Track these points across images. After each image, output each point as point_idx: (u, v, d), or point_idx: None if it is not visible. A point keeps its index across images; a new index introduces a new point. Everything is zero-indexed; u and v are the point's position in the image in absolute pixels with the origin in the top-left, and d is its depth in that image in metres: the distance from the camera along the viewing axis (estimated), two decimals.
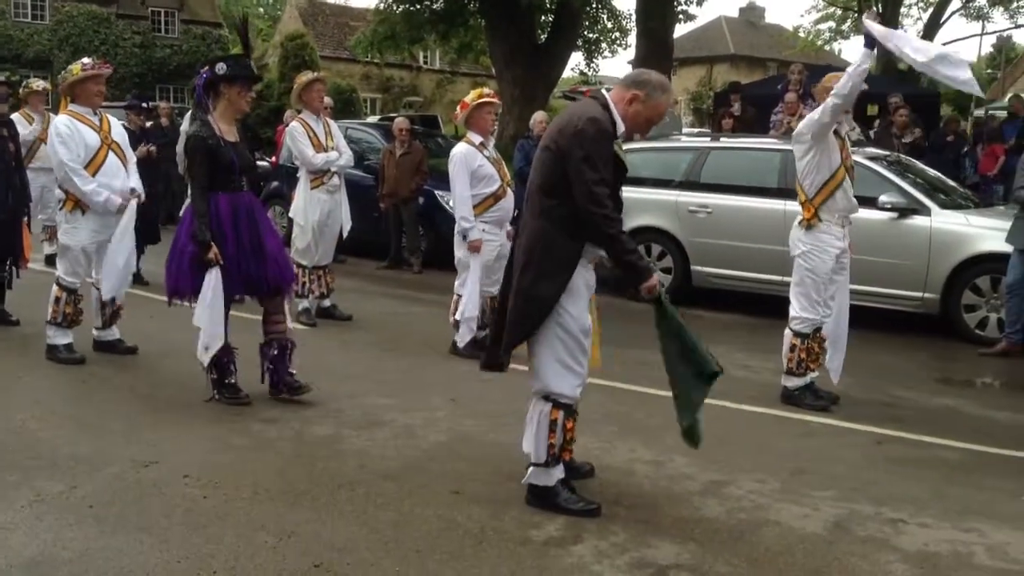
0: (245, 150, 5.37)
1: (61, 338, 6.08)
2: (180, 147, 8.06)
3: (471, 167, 6.38)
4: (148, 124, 10.24)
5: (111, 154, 5.99)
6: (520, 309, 3.78)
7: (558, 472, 3.91)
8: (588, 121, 3.67)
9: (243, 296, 5.40)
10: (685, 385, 3.86)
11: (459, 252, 6.55)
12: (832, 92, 5.25)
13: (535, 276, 3.72)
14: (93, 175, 5.88)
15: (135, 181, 6.17)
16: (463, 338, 6.48)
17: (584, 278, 3.82)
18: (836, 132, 5.45)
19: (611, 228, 3.66)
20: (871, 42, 5.20)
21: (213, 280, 5.04)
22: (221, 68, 5.17)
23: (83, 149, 5.86)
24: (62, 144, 5.82)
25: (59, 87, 6.26)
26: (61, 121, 5.91)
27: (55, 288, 6.05)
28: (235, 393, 5.30)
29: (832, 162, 5.46)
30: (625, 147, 3.95)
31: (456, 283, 6.64)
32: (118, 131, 6.18)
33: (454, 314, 6.64)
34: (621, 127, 3.77)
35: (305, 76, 7.70)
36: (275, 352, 5.35)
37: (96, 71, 5.98)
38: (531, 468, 3.93)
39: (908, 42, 5.17)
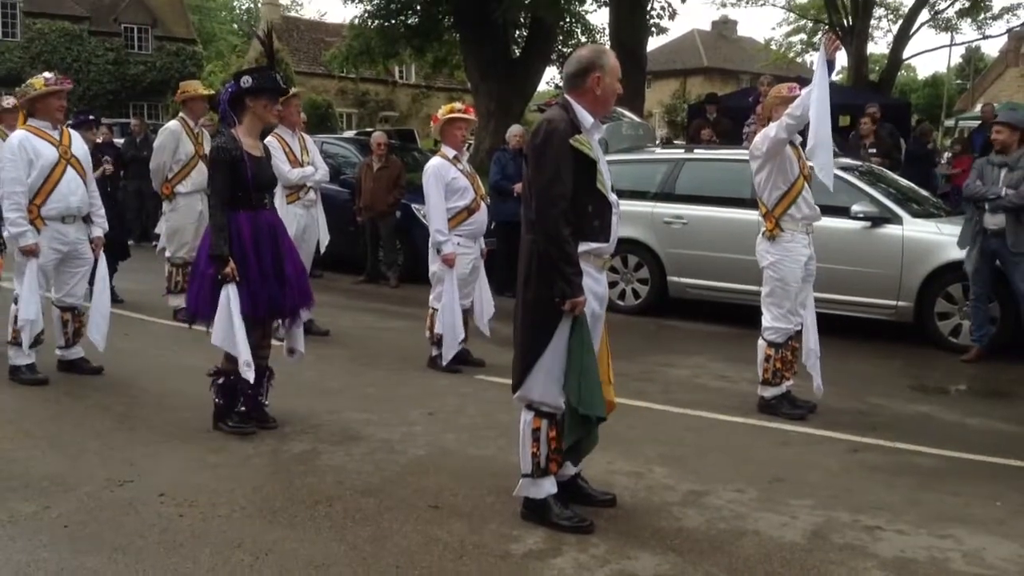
0: (268, 166, 5.18)
1: (23, 358, 5.99)
2: (153, 164, 8.13)
3: (445, 180, 6.40)
4: (99, 139, 10.08)
5: (70, 169, 5.92)
6: (529, 322, 3.77)
7: (549, 485, 3.89)
8: (539, 124, 3.76)
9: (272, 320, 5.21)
10: (568, 410, 3.74)
11: (434, 266, 6.55)
12: (787, 112, 5.32)
13: (536, 286, 3.72)
14: (50, 191, 5.82)
15: (96, 204, 6.13)
16: (447, 355, 6.46)
17: (586, 284, 3.73)
18: (791, 142, 5.51)
19: (556, 231, 3.62)
20: (830, 68, 5.30)
21: (231, 297, 4.81)
22: (247, 81, 4.97)
23: (37, 168, 5.77)
24: (9, 163, 5.75)
25: (19, 101, 6.20)
26: (15, 139, 5.87)
27: (14, 307, 5.96)
28: (241, 423, 5.06)
29: (790, 173, 5.52)
30: (608, 158, 3.98)
31: (431, 297, 6.64)
32: (79, 146, 6.10)
33: (430, 328, 6.64)
34: (588, 120, 3.78)
35: None
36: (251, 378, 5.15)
37: (58, 86, 5.92)
38: (521, 480, 3.93)
39: (816, 97, 5.18)
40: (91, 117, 8.86)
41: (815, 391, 5.68)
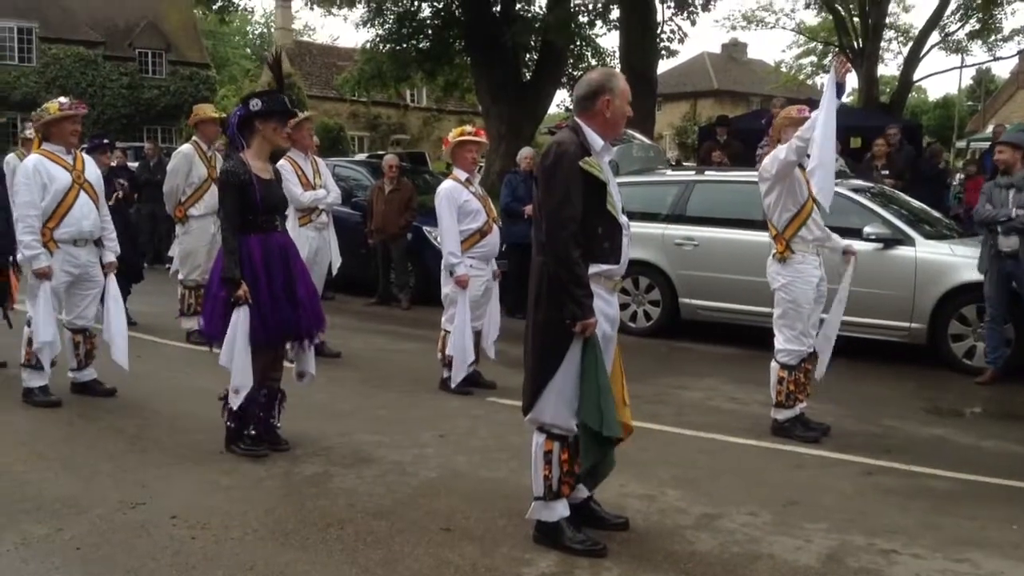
0: (277, 188, 5.19)
1: (36, 380, 6.01)
2: (166, 187, 8.18)
3: (457, 202, 6.42)
4: (114, 163, 10.14)
5: (83, 194, 5.96)
6: (540, 344, 3.77)
7: (561, 508, 3.88)
8: (549, 146, 3.77)
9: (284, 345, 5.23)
10: (585, 434, 3.73)
11: (446, 288, 6.56)
12: (797, 134, 5.33)
13: (547, 308, 3.72)
14: (64, 215, 5.87)
15: (108, 228, 6.17)
16: (457, 377, 6.46)
17: (597, 306, 3.72)
18: (801, 165, 5.51)
19: (566, 253, 3.62)
20: (840, 90, 5.35)
21: (241, 319, 4.83)
22: (255, 104, 5.00)
23: (50, 192, 5.81)
24: (23, 186, 5.81)
25: (33, 124, 6.23)
26: (30, 163, 5.91)
27: (27, 329, 5.99)
28: (253, 445, 5.07)
29: (799, 195, 5.53)
30: (617, 181, 3.99)
31: (443, 319, 6.65)
32: (92, 171, 6.14)
33: (442, 350, 6.64)
34: (598, 143, 3.79)
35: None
36: (263, 400, 5.16)
37: (73, 111, 5.97)
38: (533, 502, 3.91)
39: (822, 120, 5.25)
40: (106, 141, 8.94)
41: (815, 377, 5.71)
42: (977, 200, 12.23)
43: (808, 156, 5.47)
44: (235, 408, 4.98)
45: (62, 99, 6.13)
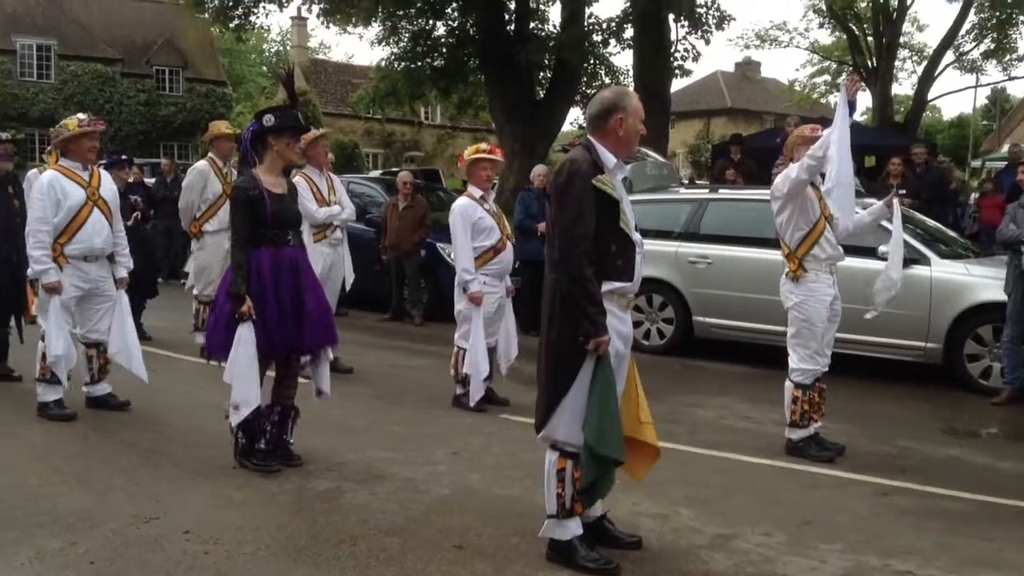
0: (291, 203, 5.17)
1: (51, 394, 6.04)
2: (181, 203, 8.24)
3: (471, 219, 6.44)
4: (131, 179, 10.19)
5: (96, 210, 6.00)
6: (553, 362, 3.77)
7: (574, 526, 3.86)
8: (562, 164, 3.79)
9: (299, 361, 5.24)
10: (585, 450, 3.71)
11: (459, 304, 6.57)
12: (808, 153, 5.33)
13: (560, 325, 3.72)
14: (76, 231, 5.91)
15: (122, 246, 6.22)
16: (475, 395, 6.45)
17: (610, 323, 3.72)
18: (813, 184, 5.51)
19: (580, 270, 3.62)
20: (852, 109, 5.37)
21: (245, 336, 4.83)
22: (268, 120, 5.03)
23: (64, 208, 5.86)
24: (37, 201, 5.86)
25: (52, 140, 6.27)
26: (45, 178, 5.96)
27: (41, 344, 6.03)
28: (265, 460, 5.07)
29: (811, 214, 5.52)
30: (630, 198, 4.00)
31: (456, 335, 6.65)
32: (108, 187, 6.18)
33: (455, 367, 6.64)
34: (611, 160, 3.80)
35: (310, 133, 7.79)
36: (276, 417, 5.17)
37: (92, 127, 6.02)
38: (546, 520, 3.90)
39: (837, 138, 5.31)
40: (124, 157, 9.02)
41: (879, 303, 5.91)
42: (992, 217, 12.20)
43: (823, 176, 5.47)
44: (234, 425, 5.00)
45: (81, 115, 6.18)
